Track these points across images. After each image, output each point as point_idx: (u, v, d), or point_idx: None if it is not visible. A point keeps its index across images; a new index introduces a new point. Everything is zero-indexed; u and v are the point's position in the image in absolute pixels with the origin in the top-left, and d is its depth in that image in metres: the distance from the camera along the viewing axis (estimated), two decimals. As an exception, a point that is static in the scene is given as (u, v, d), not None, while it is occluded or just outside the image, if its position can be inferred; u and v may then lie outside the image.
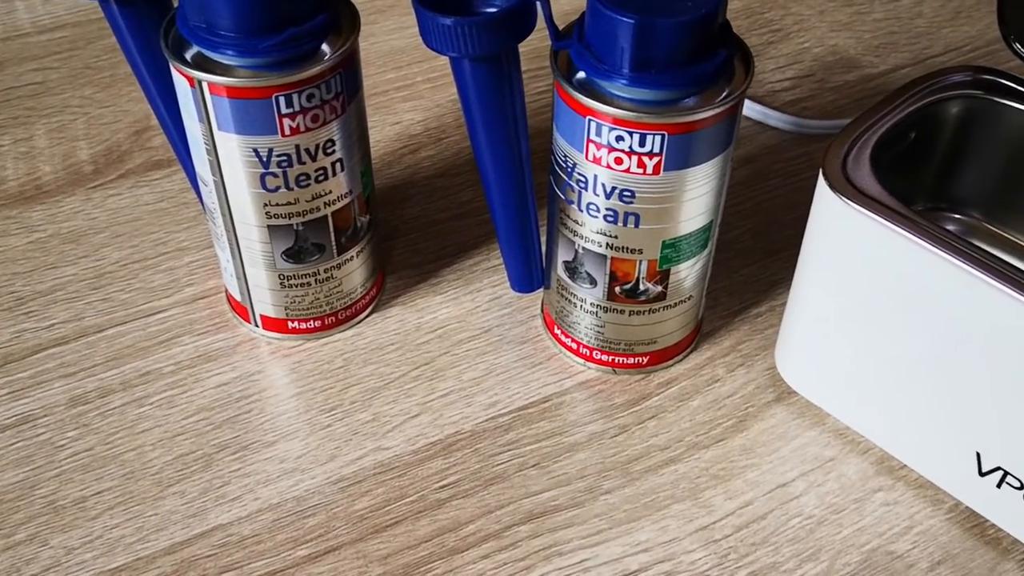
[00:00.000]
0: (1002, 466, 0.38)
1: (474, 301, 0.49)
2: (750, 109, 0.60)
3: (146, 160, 0.57)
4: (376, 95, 0.61)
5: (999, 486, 0.39)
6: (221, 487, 0.42)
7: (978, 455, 0.39)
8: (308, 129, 0.40)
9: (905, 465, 0.43)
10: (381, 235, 0.52)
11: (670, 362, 0.47)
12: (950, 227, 0.46)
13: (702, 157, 0.39)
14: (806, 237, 0.41)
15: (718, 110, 0.38)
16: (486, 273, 0.51)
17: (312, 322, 0.47)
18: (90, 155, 0.57)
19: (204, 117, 0.40)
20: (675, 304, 0.44)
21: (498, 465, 0.43)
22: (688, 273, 0.43)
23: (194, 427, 0.44)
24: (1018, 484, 0.38)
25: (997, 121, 0.42)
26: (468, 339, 0.48)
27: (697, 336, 0.48)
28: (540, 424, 0.44)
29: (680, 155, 0.38)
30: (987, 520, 0.41)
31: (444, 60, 0.65)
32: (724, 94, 0.38)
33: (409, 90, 0.62)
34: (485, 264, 0.51)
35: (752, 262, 0.52)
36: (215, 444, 0.43)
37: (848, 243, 0.39)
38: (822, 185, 0.39)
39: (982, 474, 0.39)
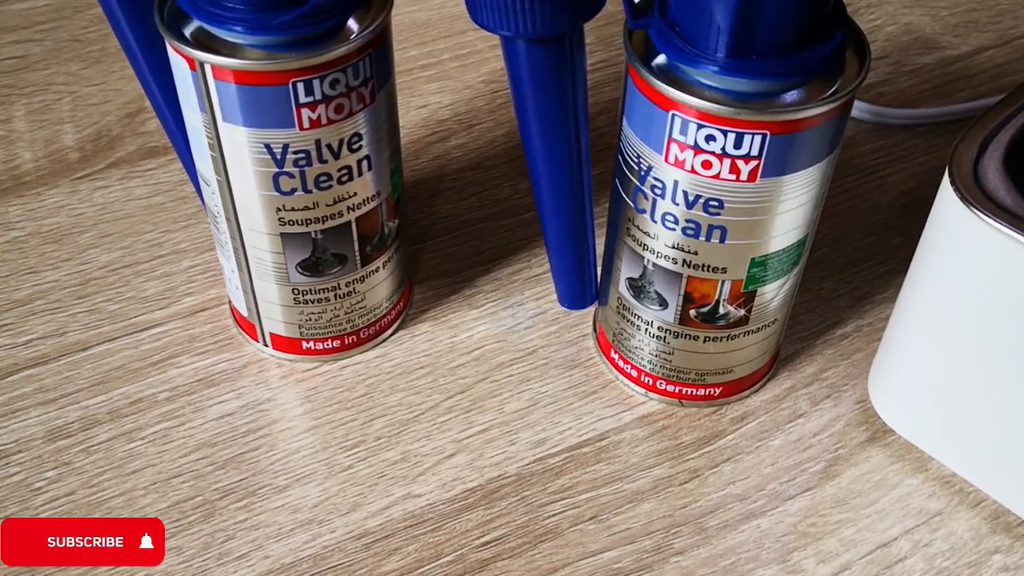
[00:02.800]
0: None
1: (515, 317, 0.43)
2: (821, 95, 0.53)
3: (140, 147, 0.50)
4: (398, 75, 0.54)
5: None
6: (225, 542, 0.35)
7: None
8: (331, 121, 0.33)
9: (1026, 522, 0.37)
10: (409, 239, 0.45)
11: (745, 393, 0.40)
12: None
13: (805, 161, 0.32)
14: (920, 251, 0.35)
15: (830, 106, 0.31)
16: (528, 283, 0.44)
17: (330, 342, 0.40)
18: (76, 140, 0.50)
19: (206, 106, 0.33)
20: (757, 329, 0.37)
21: (549, 517, 0.36)
22: (776, 294, 0.37)
23: (193, 467, 0.37)
24: None
25: None
26: (509, 362, 0.41)
27: (775, 363, 0.41)
28: (596, 467, 0.38)
29: (781, 159, 0.32)
30: None
31: (473, 35, 0.59)
32: (835, 87, 0.31)
33: (435, 69, 0.55)
34: (527, 273, 0.45)
35: (832, 274, 0.45)
36: (218, 489, 0.37)
37: (975, 262, 0.33)
38: (948, 194, 0.32)
39: None
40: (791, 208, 0.34)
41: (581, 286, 0.40)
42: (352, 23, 0.33)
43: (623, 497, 0.37)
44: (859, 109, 0.52)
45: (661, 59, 0.32)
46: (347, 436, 0.39)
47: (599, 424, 0.39)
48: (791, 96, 0.31)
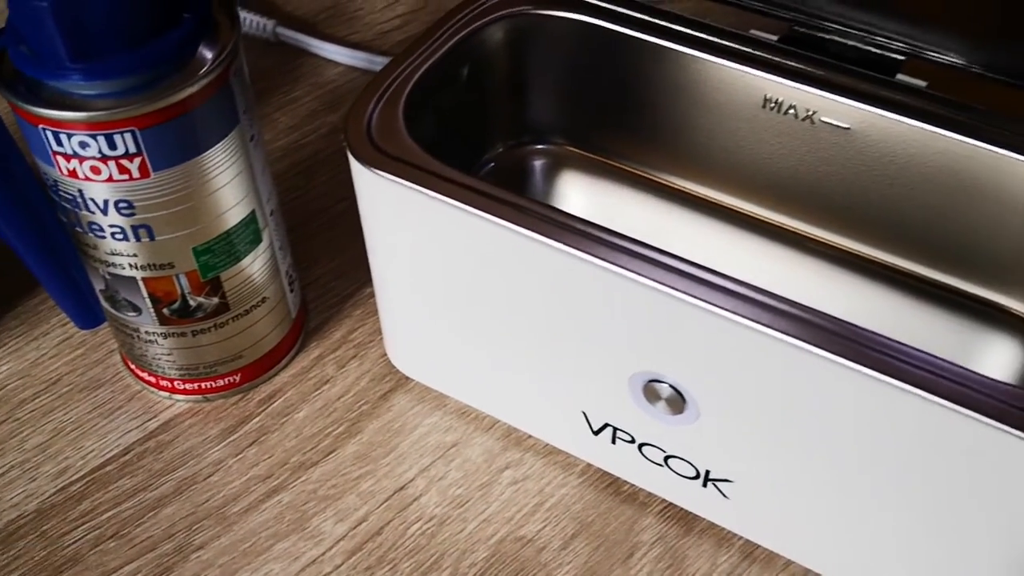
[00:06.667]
0: (609, 422, 0.34)
1: (39, 349, 0.42)
2: (354, 58, 0.53)
3: None
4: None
5: (614, 442, 0.35)
6: None
7: (585, 414, 0.35)
8: None
9: (531, 435, 0.38)
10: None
11: (270, 372, 0.41)
12: (538, 160, 0.42)
13: (203, 144, 0.33)
14: (360, 209, 0.36)
15: (196, 87, 0.31)
16: (55, 311, 0.43)
17: None
18: None
19: None
20: (247, 311, 0.38)
21: (69, 546, 0.36)
22: (249, 274, 0.37)
23: None
24: (629, 438, 0.34)
25: (550, 36, 0.38)
26: (32, 397, 0.40)
27: (300, 334, 0.42)
28: (120, 483, 0.38)
29: (168, 149, 0.32)
30: (620, 477, 0.37)
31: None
32: (209, 63, 0.32)
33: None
34: (51, 300, 0.44)
35: (362, 237, 0.46)
36: None
37: (385, 212, 0.34)
38: (349, 152, 0.33)
39: (595, 432, 0.35)
40: (212, 191, 0.34)
41: (84, 307, 0.39)
42: None
43: (146, 507, 0.37)
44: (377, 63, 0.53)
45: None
46: None
47: (124, 439, 0.39)
48: (162, 84, 0.31)
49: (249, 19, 0.54)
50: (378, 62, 0.53)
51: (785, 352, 0.28)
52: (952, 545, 0.29)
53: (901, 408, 0.27)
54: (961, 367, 0.27)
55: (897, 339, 0.27)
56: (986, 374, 0.26)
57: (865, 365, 0.27)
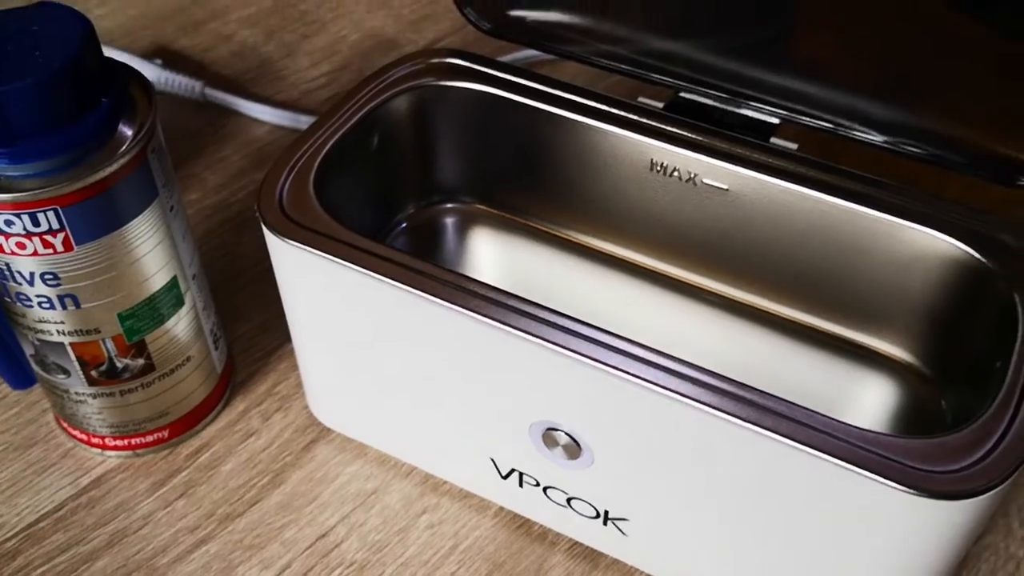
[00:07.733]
0: (515, 467, 0.37)
1: None
2: (280, 117, 0.56)
3: None
4: None
5: (521, 486, 0.37)
6: None
7: (493, 460, 0.37)
8: None
9: (447, 480, 0.41)
10: None
11: (198, 427, 0.42)
12: (448, 219, 0.44)
13: (124, 217, 0.35)
14: (275, 273, 0.38)
15: (115, 165, 0.33)
16: (-12, 372, 0.45)
17: None
18: None
19: None
20: (173, 370, 0.40)
21: (3, 602, 0.38)
22: (173, 335, 0.39)
23: None
24: (534, 481, 0.37)
25: (452, 105, 0.40)
26: (-35, 458, 0.42)
27: (227, 389, 0.44)
28: (53, 539, 0.39)
29: (91, 224, 0.34)
30: (529, 518, 0.39)
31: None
32: (128, 141, 0.34)
33: None
34: (-13, 362, 0.45)
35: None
36: None
37: (298, 277, 0.36)
38: (262, 222, 0.35)
39: (504, 477, 0.38)
40: (134, 260, 0.36)
41: (18, 369, 0.41)
42: None
43: (79, 560, 0.39)
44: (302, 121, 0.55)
45: (-43, 156, 0.33)
46: None
47: (57, 496, 0.41)
48: (85, 163, 0.33)
49: (177, 80, 0.56)
50: (303, 120, 0.55)
51: (667, 405, 0.30)
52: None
53: (772, 455, 0.29)
54: (826, 416, 0.29)
55: (771, 391, 0.30)
56: (850, 423, 0.29)
57: (740, 418, 0.29)
